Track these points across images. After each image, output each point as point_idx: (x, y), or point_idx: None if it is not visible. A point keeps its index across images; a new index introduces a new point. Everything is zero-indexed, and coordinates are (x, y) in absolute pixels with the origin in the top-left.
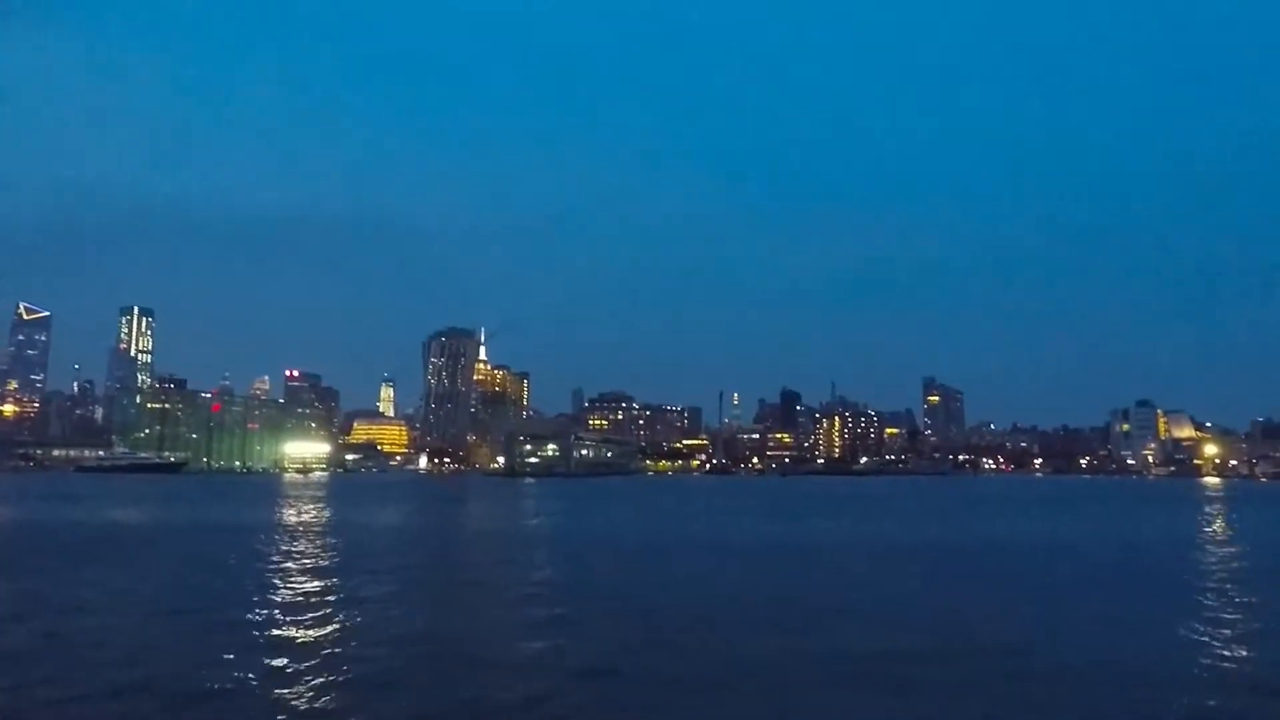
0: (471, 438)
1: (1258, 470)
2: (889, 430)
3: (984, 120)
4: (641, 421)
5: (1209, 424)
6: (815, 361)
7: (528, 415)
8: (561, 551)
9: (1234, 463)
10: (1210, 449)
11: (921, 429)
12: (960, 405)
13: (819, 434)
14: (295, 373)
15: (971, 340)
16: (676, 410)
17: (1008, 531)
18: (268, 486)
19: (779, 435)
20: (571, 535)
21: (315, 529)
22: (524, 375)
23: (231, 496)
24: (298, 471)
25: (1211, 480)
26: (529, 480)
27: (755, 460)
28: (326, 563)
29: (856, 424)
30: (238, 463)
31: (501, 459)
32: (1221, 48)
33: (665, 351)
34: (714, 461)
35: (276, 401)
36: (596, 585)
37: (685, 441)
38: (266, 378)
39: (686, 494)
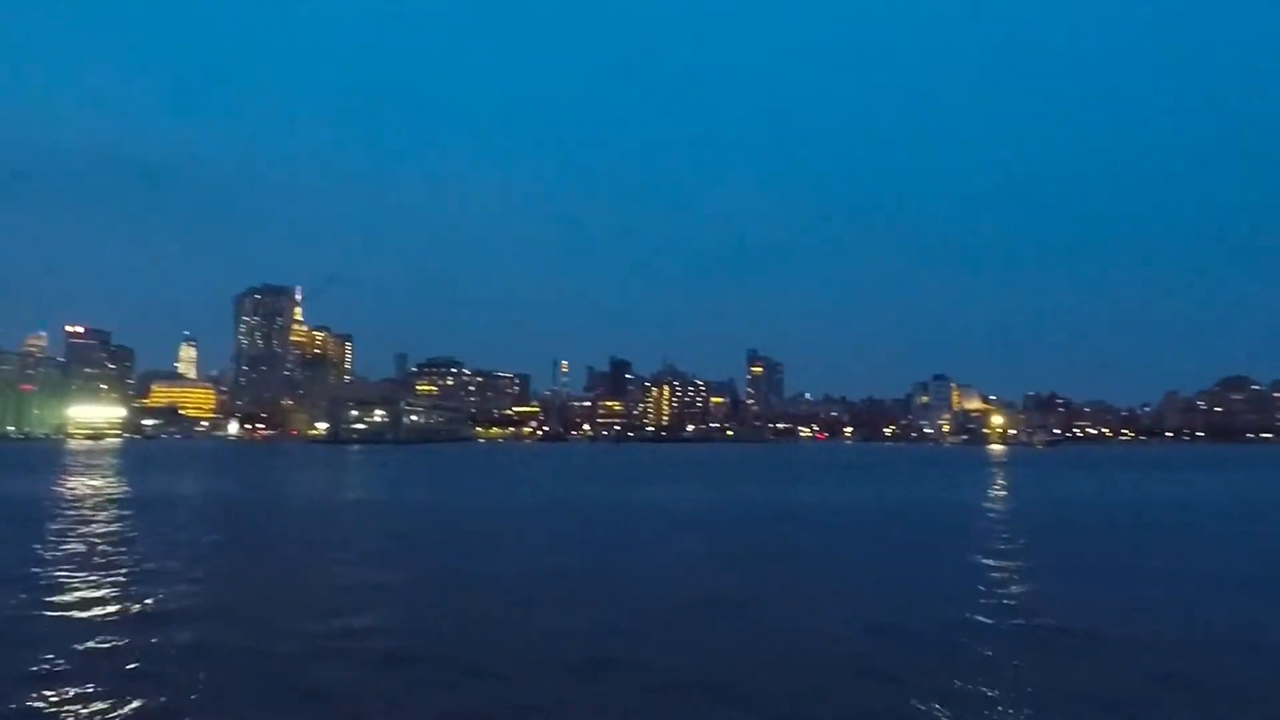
0: (288, 402)
1: (1035, 439)
2: (714, 399)
3: (800, 97)
4: (472, 388)
5: (994, 397)
6: (645, 332)
7: (350, 380)
8: (391, 522)
9: (1013, 431)
10: (996, 419)
11: (744, 398)
12: (781, 376)
13: (649, 402)
14: (79, 329)
15: (793, 315)
16: (508, 377)
17: (796, 496)
18: (48, 455)
19: (609, 403)
20: (403, 505)
21: (105, 500)
22: (346, 337)
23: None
24: (86, 438)
25: (997, 448)
26: (355, 448)
27: (586, 428)
28: (116, 538)
29: (685, 393)
30: (10, 428)
31: (323, 425)
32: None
33: (495, 317)
34: (546, 429)
35: (56, 360)
36: (421, 560)
37: (517, 409)
38: (44, 333)
39: (521, 461)
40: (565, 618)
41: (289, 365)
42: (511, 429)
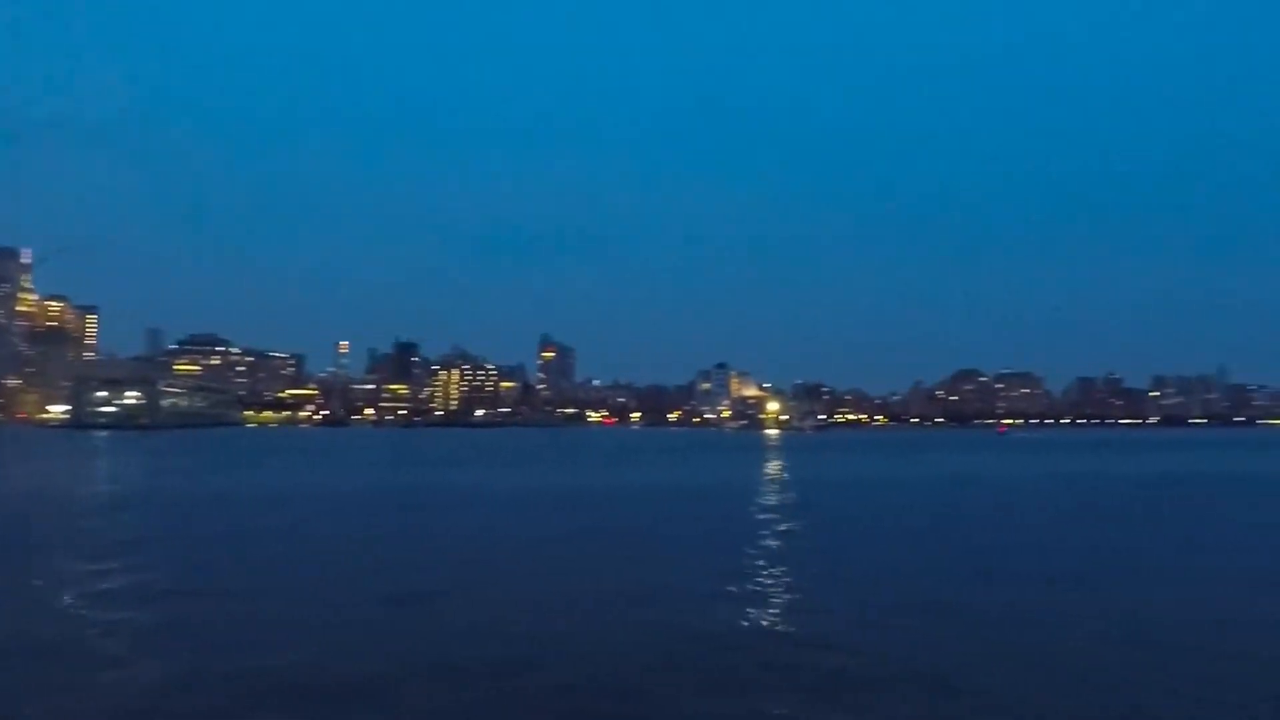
0: (15, 382)
1: (805, 424)
2: (505, 384)
3: (602, 78)
4: (241, 369)
5: (768, 384)
6: (433, 314)
7: (95, 357)
8: (140, 518)
9: (786, 417)
10: (772, 405)
11: (535, 383)
12: (572, 362)
13: (437, 386)
14: None
15: (585, 301)
16: (281, 357)
17: (581, 480)
18: None
19: (394, 387)
20: (157, 496)
21: None
22: (89, 309)
23: None
24: None
25: (772, 433)
26: (102, 434)
27: (370, 411)
28: None
29: (475, 377)
30: None
31: (62, 407)
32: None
33: (268, 294)
34: (326, 413)
35: None
36: (168, 560)
37: (292, 391)
38: None
39: (300, 446)
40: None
41: (16, 340)
42: (287, 413)
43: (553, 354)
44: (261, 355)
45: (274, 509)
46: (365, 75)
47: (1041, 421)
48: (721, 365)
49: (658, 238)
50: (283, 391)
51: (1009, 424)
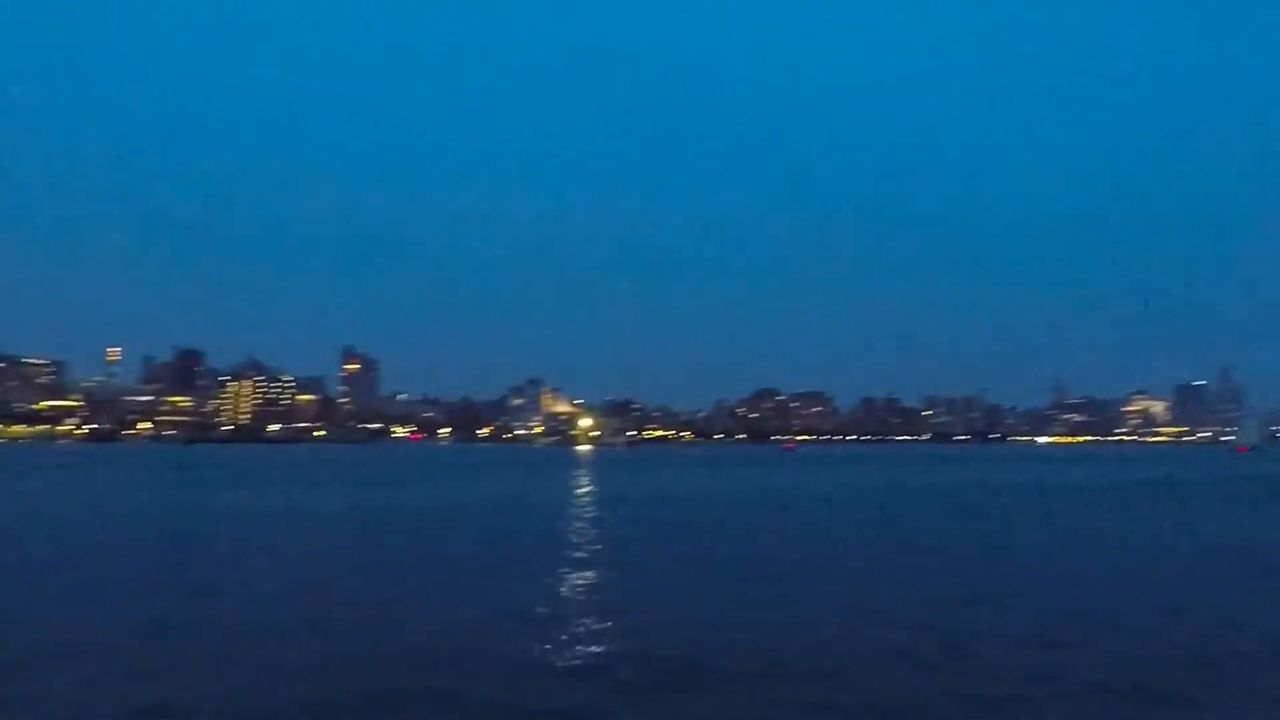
0: None
1: (617, 440)
2: (303, 397)
3: (409, 81)
4: None
5: (580, 400)
6: (223, 321)
7: None
8: None
9: (597, 433)
10: (584, 421)
11: (337, 396)
12: (377, 374)
13: (225, 398)
14: None
15: (392, 311)
16: (37, 363)
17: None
18: None
19: (175, 399)
20: None
21: None
22: None
23: None
24: None
25: (584, 449)
26: None
27: (146, 426)
28: None
29: (269, 389)
30: None
31: None
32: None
33: (26, 294)
34: (92, 427)
35: None
36: None
37: (50, 402)
38: None
39: (53, 464)
40: None
41: None
42: (43, 426)
43: (356, 366)
44: (12, 360)
45: None
46: (104, 64)
47: (831, 438)
48: (534, 380)
49: (471, 247)
50: (38, 402)
51: (798, 440)
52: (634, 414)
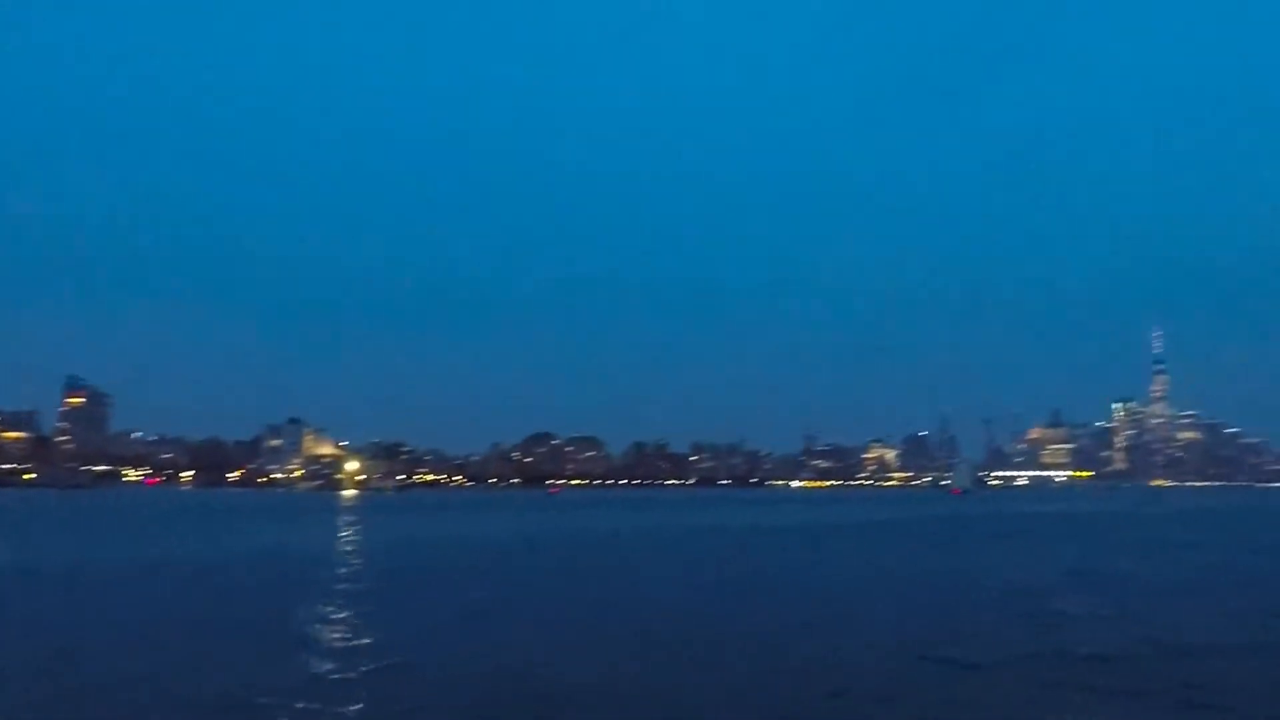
0: None
1: (386, 484)
2: (10, 434)
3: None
4: None
5: (345, 442)
6: None
7: None
8: None
9: (363, 477)
10: (351, 465)
11: (55, 434)
12: (107, 410)
13: None
14: None
15: (126, 340)
16: None
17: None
18: None
19: None
20: None
21: None
22: None
23: None
24: None
25: (349, 493)
26: None
27: None
28: None
29: None
30: None
31: None
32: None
33: None
34: None
35: None
36: None
37: None
38: None
39: None
40: None
41: None
42: None
43: (81, 400)
44: None
45: None
46: None
47: (603, 482)
48: (294, 420)
49: (221, 271)
50: None
51: (571, 484)
52: (404, 457)
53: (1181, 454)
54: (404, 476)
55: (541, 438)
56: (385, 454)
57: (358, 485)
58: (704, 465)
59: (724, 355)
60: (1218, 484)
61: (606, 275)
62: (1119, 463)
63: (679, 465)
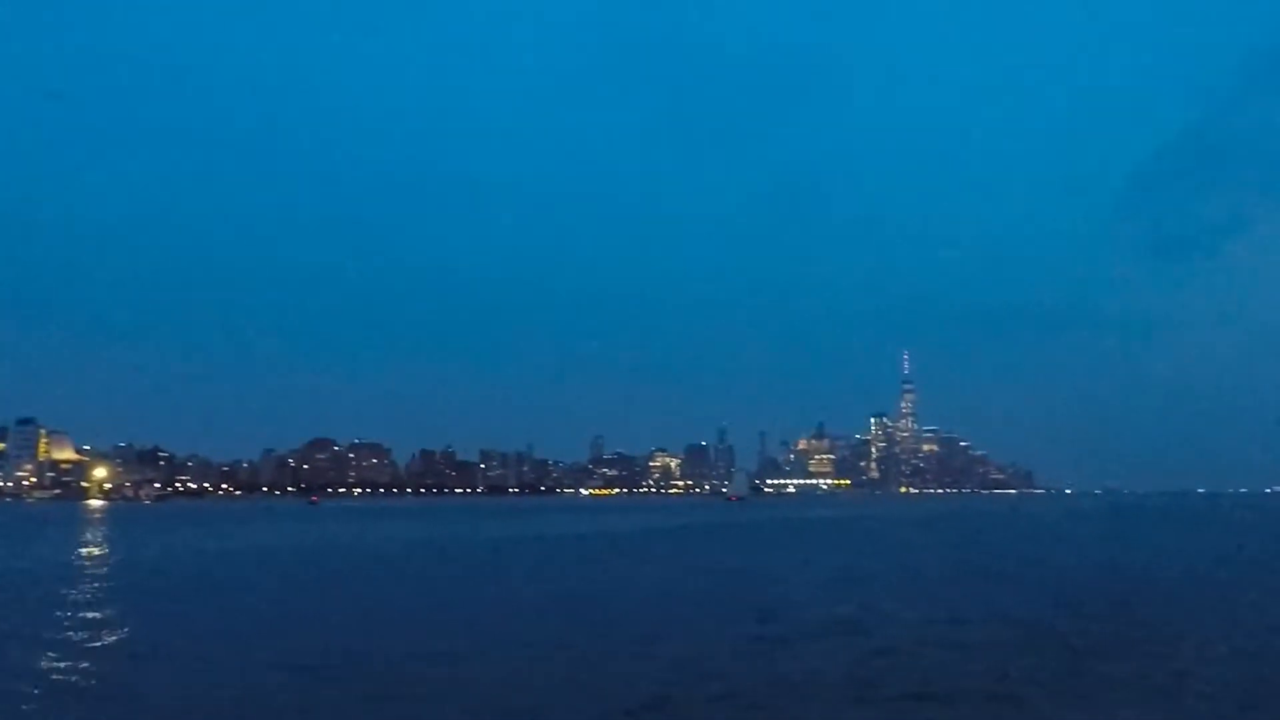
0: None
1: (142, 493)
2: None
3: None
4: None
5: (88, 446)
6: None
7: None
8: None
9: (113, 485)
10: (99, 472)
11: None
12: None
13: None
14: None
15: None
16: None
17: None
18: None
19: None
20: None
21: None
22: None
23: None
24: None
25: (97, 503)
26: None
27: None
28: None
29: None
30: None
31: None
32: None
33: None
34: None
35: None
36: None
37: None
38: None
39: None
40: None
41: None
42: None
43: None
44: None
45: None
46: None
47: (389, 490)
48: (26, 421)
49: None
50: None
51: (356, 494)
52: (161, 464)
53: (923, 464)
54: (161, 486)
55: (322, 443)
56: (139, 460)
57: (107, 495)
58: (493, 473)
59: (511, 364)
60: (952, 491)
61: (389, 277)
62: (873, 472)
63: (467, 473)
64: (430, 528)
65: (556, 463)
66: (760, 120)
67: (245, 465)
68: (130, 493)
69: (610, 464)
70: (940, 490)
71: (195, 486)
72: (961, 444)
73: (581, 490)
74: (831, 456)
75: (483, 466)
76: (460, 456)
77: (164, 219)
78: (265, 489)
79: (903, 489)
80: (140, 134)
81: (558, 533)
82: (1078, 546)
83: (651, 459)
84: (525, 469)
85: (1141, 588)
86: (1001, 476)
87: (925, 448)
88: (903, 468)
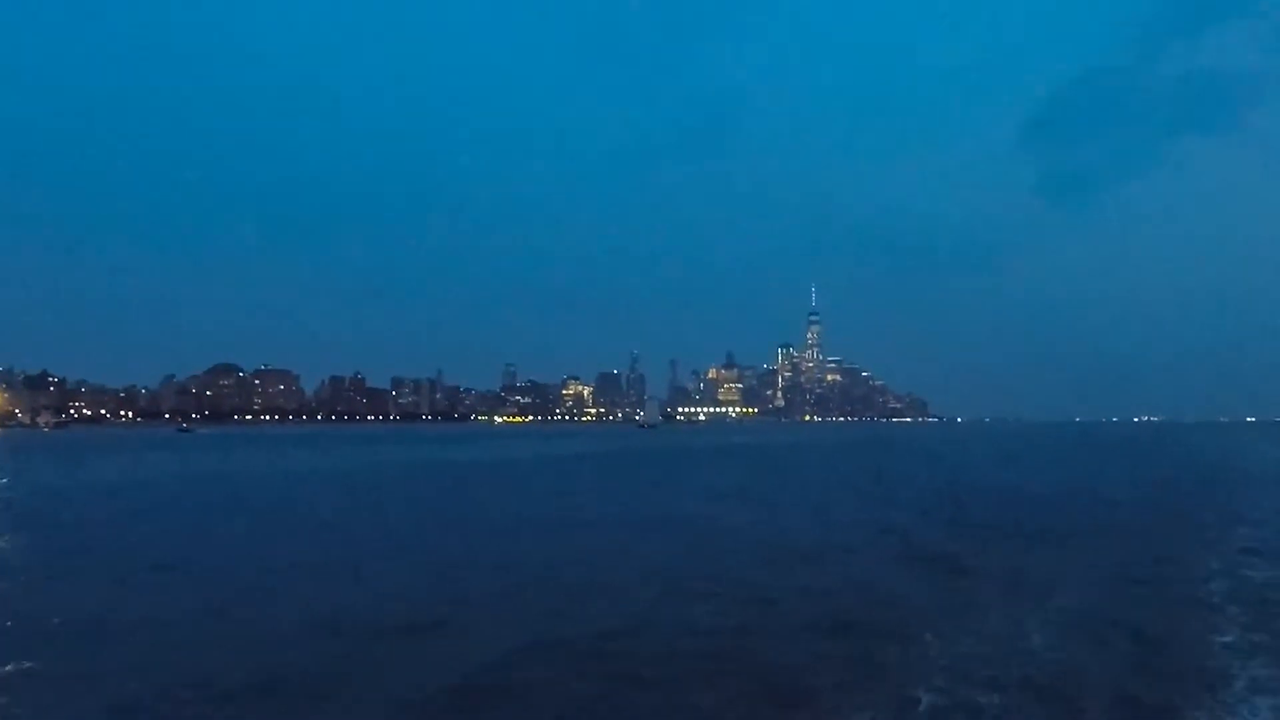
0: None
1: (40, 420)
2: None
3: None
4: None
5: None
6: None
7: None
8: None
9: (17, 413)
10: None
11: None
12: None
13: None
14: None
15: None
16: None
17: None
18: None
19: None
20: None
21: None
22: None
23: None
24: None
25: None
26: None
27: None
28: None
29: None
30: None
31: None
32: None
33: None
34: None
35: None
36: None
37: None
38: None
39: None
40: None
41: None
42: None
43: None
44: None
45: None
46: None
47: (298, 417)
48: None
49: None
50: None
51: (264, 419)
52: (50, 389)
53: (827, 394)
54: (60, 413)
55: (226, 369)
56: (27, 386)
57: (3, 423)
58: (405, 400)
59: (421, 291)
60: (854, 419)
61: (295, 200)
62: (779, 400)
63: (379, 400)
64: (327, 458)
65: (469, 390)
66: (674, 48)
67: (144, 391)
68: (27, 420)
69: (523, 391)
70: (842, 418)
71: (90, 413)
72: (863, 374)
73: (495, 418)
74: (739, 385)
75: (394, 394)
76: (370, 384)
77: (53, 127)
78: (168, 415)
79: (806, 417)
80: (30, 42)
81: (490, 459)
82: (973, 468)
83: (564, 387)
84: (438, 396)
85: (1020, 500)
86: (899, 406)
87: (829, 378)
88: (807, 396)
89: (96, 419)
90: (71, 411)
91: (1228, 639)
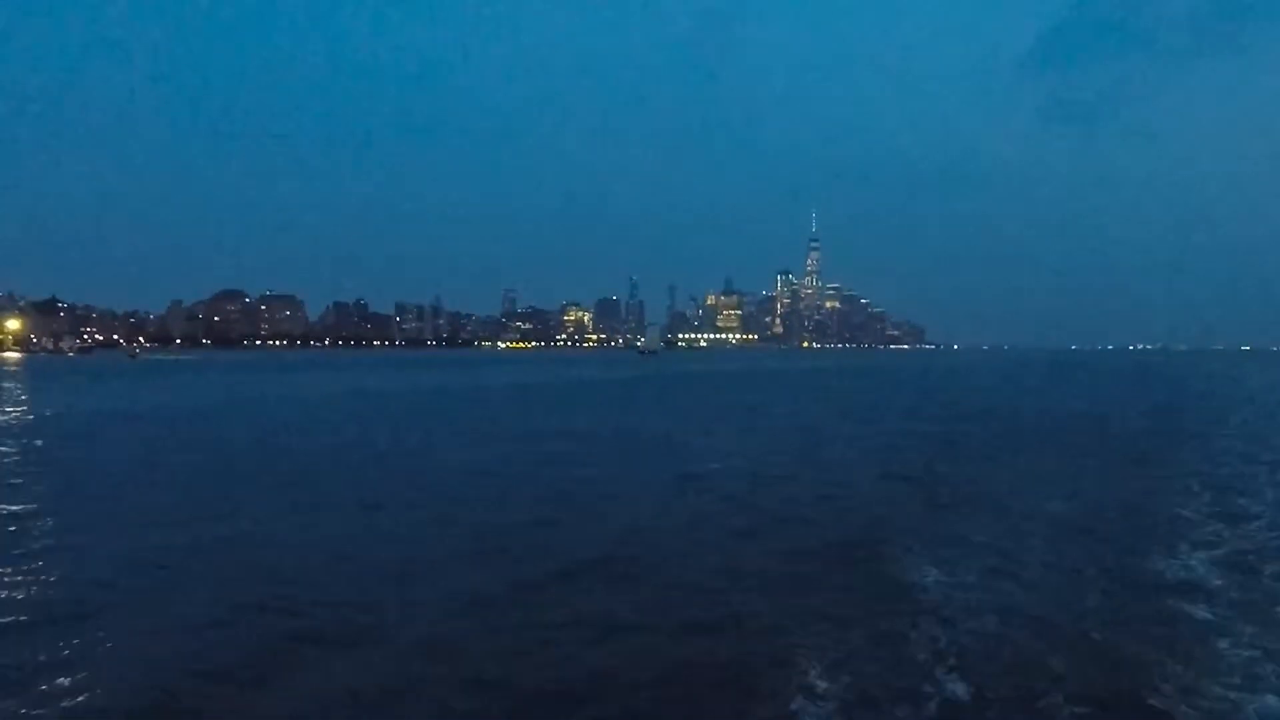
0: None
1: (63, 345)
2: None
3: None
4: None
5: None
6: None
7: None
8: None
9: (34, 338)
10: (12, 323)
11: None
12: None
13: None
14: None
15: None
16: None
17: None
18: None
19: None
20: None
21: None
22: None
23: None
24: None
25: (13, 355)
26: None
27: None
28: None
29: None
30: None
31: None
32: None
33: None
34: None
35: None
36: None
37: None
38: None
39: None
40: None
41: None
42: None
43: None
44: None
45: None
46: None
47: (305, 343)
48: None
49: None
50: None
51: (269, 345)
52: (60, 315)
53: (825, 321)
54: (81, 339)
55: (233, 295)
56: (37, 311)
57: (26, 349)
58: (409, 326)
59: (419, 216)
60: (852, 346)
61: (301, 130)
62: (777, 328)
63: (382, 326)
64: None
65: (470, 316)
66: None
67: (151, 317)
68: (50, 345)
69: (523, 317)
70: (840, 345)
71: (102, 339)
72: (862, 301)
73: (499, 344)
74: (738, 312)
75: (398, 320)
76: (374, 309)
77: (53, 48)
78: (178, 340)
79: (805, 344)
80: None
81: (510, 382)
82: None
83: (565, 312)
84: (440, 322)
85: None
86: (896, 333)
87: (828, 304)
88: (806, 324)
89: (110, 344)
90: (85, 337)
91: (1187, 513)
